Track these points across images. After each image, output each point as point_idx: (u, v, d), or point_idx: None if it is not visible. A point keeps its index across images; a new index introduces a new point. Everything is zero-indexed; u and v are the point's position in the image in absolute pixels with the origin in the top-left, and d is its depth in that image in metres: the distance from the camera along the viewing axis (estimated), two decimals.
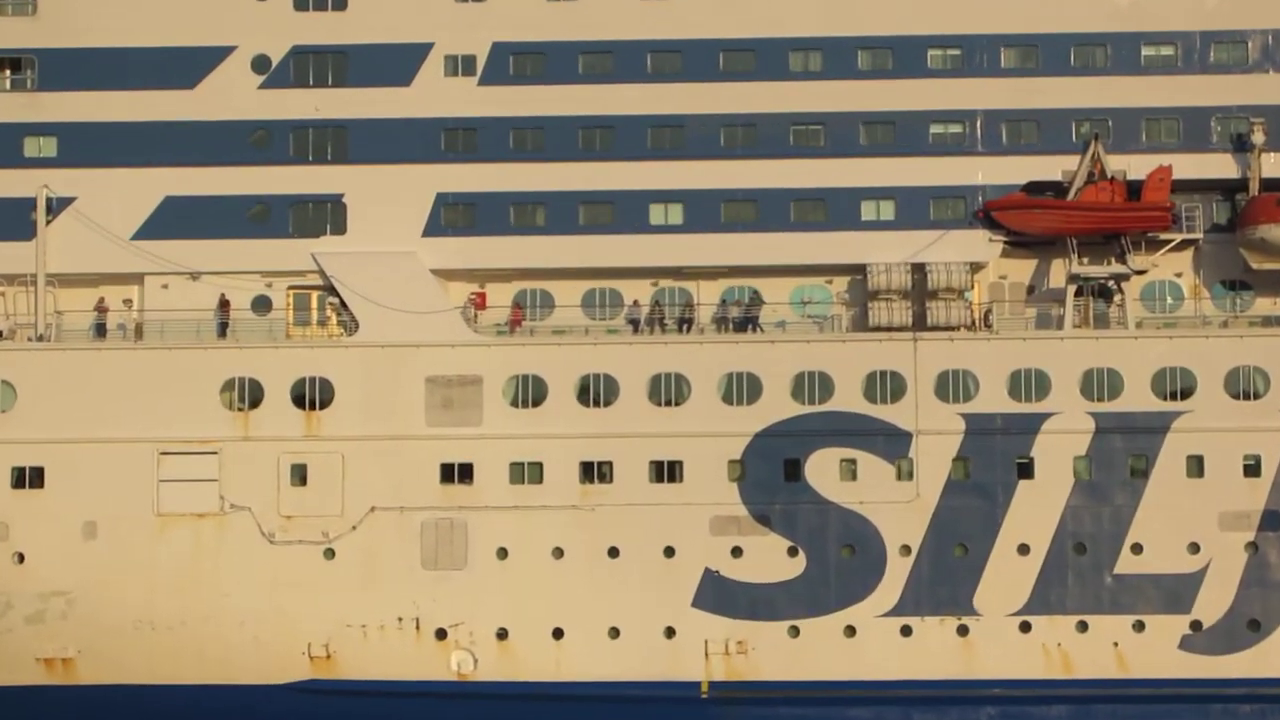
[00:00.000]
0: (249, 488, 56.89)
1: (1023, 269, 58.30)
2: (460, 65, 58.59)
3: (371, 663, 56.20)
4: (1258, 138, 56.30)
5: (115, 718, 57.79)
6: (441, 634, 55.90)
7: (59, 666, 56.76)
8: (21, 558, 55.99)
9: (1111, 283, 57.13)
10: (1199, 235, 57.09)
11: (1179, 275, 58.03)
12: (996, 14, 58.86)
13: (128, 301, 58.78)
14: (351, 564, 56.55)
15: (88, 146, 58.86)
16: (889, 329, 56.51)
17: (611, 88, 58.37)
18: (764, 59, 58.09)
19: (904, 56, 58.18)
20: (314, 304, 58.81)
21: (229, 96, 59.23)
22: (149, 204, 58.69)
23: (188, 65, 58.90)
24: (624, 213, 58.09)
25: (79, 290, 58.43)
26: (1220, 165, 57.51)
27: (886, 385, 56.11)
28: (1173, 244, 56.90)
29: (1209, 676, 55.86)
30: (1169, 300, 58.43)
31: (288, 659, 56.60)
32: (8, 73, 59.56)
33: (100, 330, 57.88)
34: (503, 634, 55.84)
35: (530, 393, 56.57)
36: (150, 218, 58.55)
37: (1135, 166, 57.17)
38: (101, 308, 57.97)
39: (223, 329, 57.62)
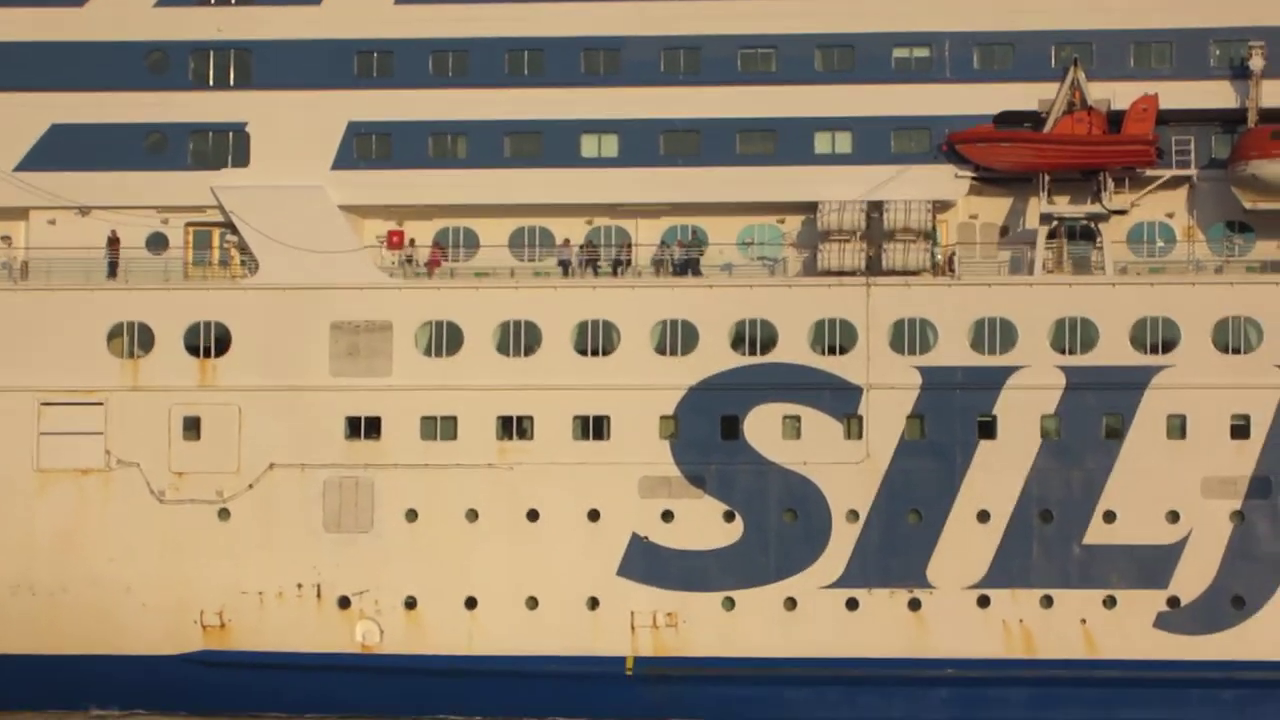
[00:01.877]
0: (137, 442, 55.85)
1: (996, 208, 56.33)
2: None
3: (269, 633, 55.42)
4: (1256, 63, 53.74)
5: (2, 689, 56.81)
6: (345, 602, 55.03)
7: None
8: None
9: (1091, 224, 54.82)
10: (1192, 172, 54.64)
11: (1170, 216, 55.75)
12: None
13: (6, 239, 57.31)
14: (248, 525, 55.70)
15: None
16: (839, 273, 54.20)
17: (540, 6, 56.65)
18: None
19: None
20: (215, 242, 57.20)
21: (122, 15, 58.00)
22: (34, 132, 57.62)
23: None
24: (554, 144, 56.54)
25: None
26: (1218, 94, 55.12)
27: (835, 335, 54.29)
28: (1160, 181, 54.61)
29: (1187, 658, 53.91)
30: (1159, 243, 56.04)
31: (179, 628, 55.68)
32: None
33: None
34: (411, 603, 54.92)
35: (445, 340, 55.26)
36: (35, 147, 57.48)
37: (1122, 95, 54.81)
38: None
39: (113, 269, 56.30)
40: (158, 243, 57.35)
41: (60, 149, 57.16)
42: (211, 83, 57.54)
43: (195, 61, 57.44)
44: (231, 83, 57.54)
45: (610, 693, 55.28)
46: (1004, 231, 56.47)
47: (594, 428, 54.92)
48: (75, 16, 57.24)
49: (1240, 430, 53.54)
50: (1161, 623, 53.71)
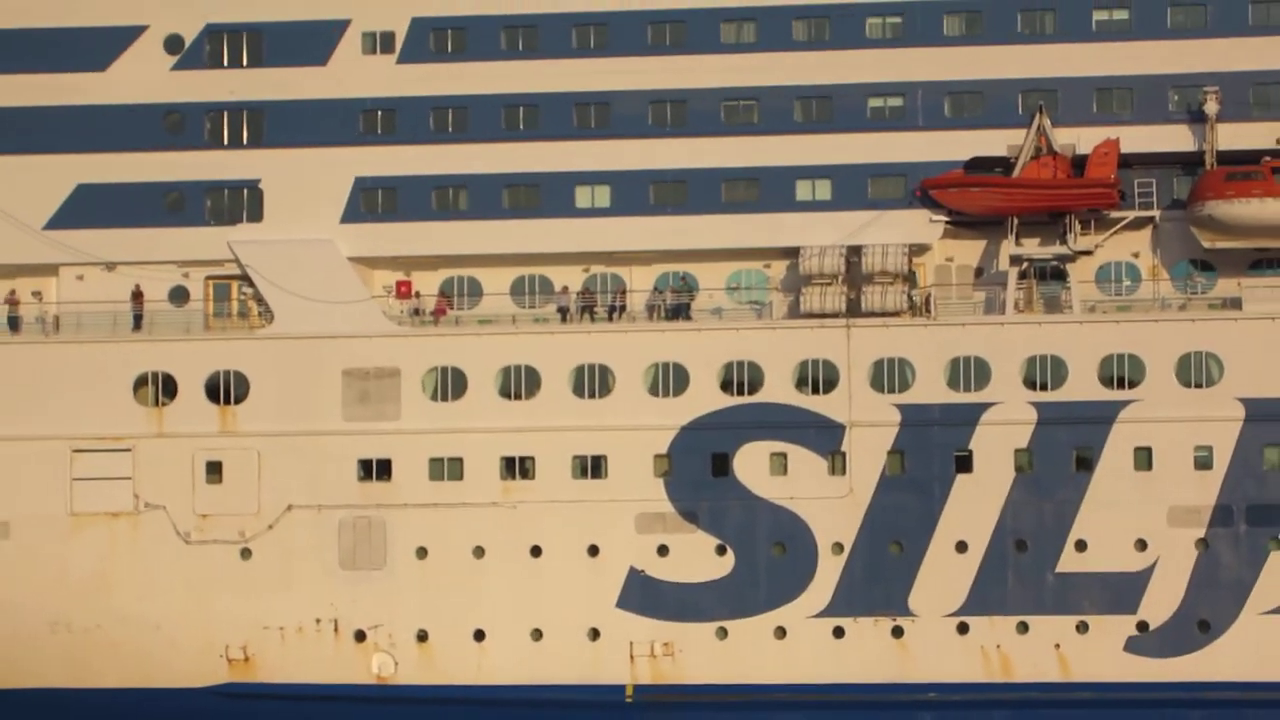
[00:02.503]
0: (164, 486, 57.92)
1: (970, 251, 58.04)
2: (379, 42, 59.27)
3: (290, 665, 57.26)
4: (1211, 108, 55.55)
5: None
6: (361, 636, 56.84)
7: None
8: None
9: (1059, 264, 56.39)
10: (1154, 213, 56.20)
11: (1136, 255, 57.34)
12: None
13: (37, 294, 59.66)
14: (268, 564, 57.54)
15: None
16: (821, 316, 55.99)
17: (535, 64, 58.53)
18: (694, 31, 58.03)
19: (841, 26, 57.81)
20: (234, 294, 59.54)
21: (141, 79, 60.10)
22: (61, 192, 59.77)
23: (98, 46, 59.85)
24: (550, 195, 58.40)
25: None
26: (1177, 138, 56.82)
27: (819, 375, 55.87)
28: (1125, 222, 56.20)
29: (1156, 680, 55.45)
30: (1126, 282, 57.63)
31: (205, 662, 57.62)
32: None
33: (13, 324, 58.86)
34: (423, 636, 56.61)
35: (450, 385, 56.97)
36: (62, 206, 59.55)
37: (1086, 140, 56.58)
38: (12, 300, 59.08)
39: (138, 321, 58.41)
40: (179, 296, 59.50)
41: (86, 208, 59.33)
42: (226, 142, 59.61)
43: (210, 122, 59.56)
44: (245, 142, 59.58)
45: (612, 717, 56.98)
46: (979, 273, 58.06)
47: (592, 467, 56.65)
48: (97, 81, 59.51)
49: (1203, 461, 55.03)
50: (1131, 646, 55.31)
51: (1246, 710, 55.69)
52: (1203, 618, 55.15)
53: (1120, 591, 55.77)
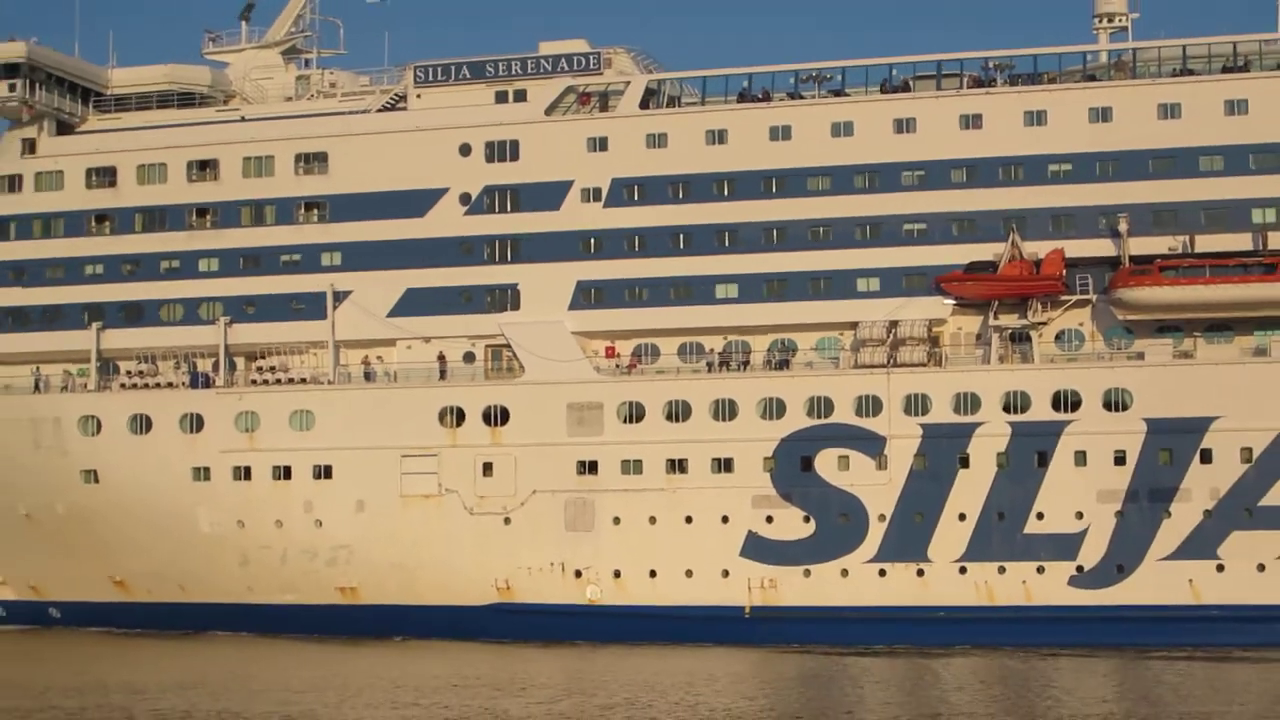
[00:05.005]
0: (457, 478, 75.92)
1: (972, 322, 74.21)
2: (591, 195, 77.61)
3: (535, 592, 74.82)
4: (1123, 227, 71.93)
5: (380, 624, 76.38)
6: (578, 573, 74.54)
7: (348, 593, 77.61)
8: (320, 523, 77.39)
9: (1026, 331, 72.62)
10: (1091, 297, 72.43)
11: (1081, 324, 73.45)
12: (946, 144, 74.66)
13: (379, 358, 79.04)
14: (521, 528, 75.02)
15: (359, 257, 79.66)
16: (871, 366, 73.12)
17: (688, 206, 76.57)
18: (790, 182, 75.70)
19: (885, 177, 74.86)
20: (504, 357, 78.40)
21: (445, 221, 79.03)
22: (397, 293, 79.38)
23: (419, 202, 79.27)
24: (700, 291, 76.22)
25: (356, 351, 79.89)
26: (1104, 247, 72.73)
27: (869, 405, 72.56)
28: (1070, 303, 72.49)
29: (1089, 604, 70.27)
30: (1074, 343, 73.50)
31: (483, 589, 75.42)
32: (311, 212, 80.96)
33: (368, 376, 78.98)
34: (617, 573, 74.18)
35: (634, 413, 75.01)
36: (398, 302, 79.22)
37: (1043, 250, 72.57)
38: (366, 362, 79.28)
39: (442, 374, 78.07)
40: (469, 358, 78.17)
41: (412, 303, 78.68)
42: (497, 260, 78.57)
43: (488, 247, 78.42)
44: (509, 259, 78.37)
45: (736, 628, 72.75)
46: (978, 337, 74.06)
47: (725, 465, 73.56)
48: (419, 223, 78.69)
49: (1120, 459, 70.49)
50: (1072, 582, 70.70)
51: (1146, 624, 69.54)
52: (1119, 563, 70.26)
53: (1065, 546, 70.62)
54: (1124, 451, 71.51)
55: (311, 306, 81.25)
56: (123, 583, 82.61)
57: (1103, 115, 74.57)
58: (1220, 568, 70.73)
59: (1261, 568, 70.55)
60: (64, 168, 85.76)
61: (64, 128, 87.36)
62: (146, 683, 60.98)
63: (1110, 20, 79.61)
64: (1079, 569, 71.67)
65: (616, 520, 75.82)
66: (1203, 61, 75.62)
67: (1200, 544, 70.81)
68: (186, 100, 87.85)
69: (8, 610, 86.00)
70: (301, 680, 62.74)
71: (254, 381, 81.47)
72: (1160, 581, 70.75)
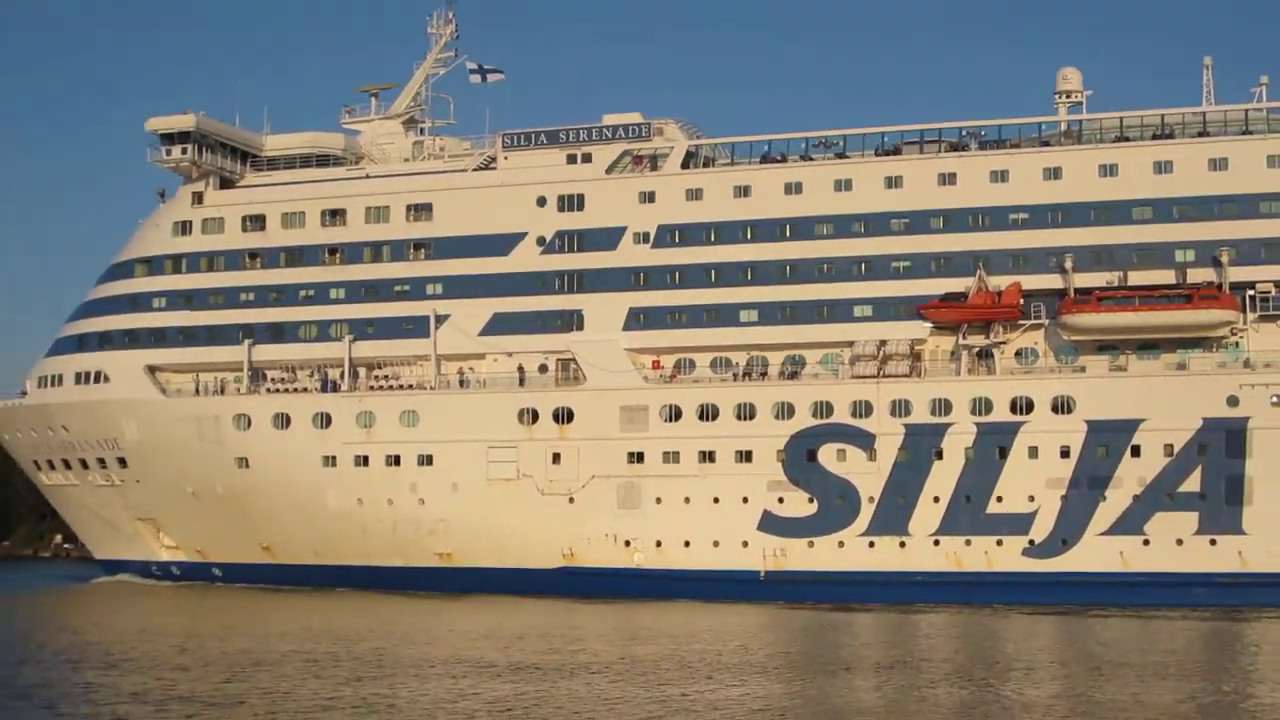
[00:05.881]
0: (531, 465, 79.34)
1: (947, 342, 77.22)
2: (642, 238, 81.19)
3: (593, 558, 78.14)
4: (1069, 264, 74.68)
5: (470, 582, 79.19)
6: (628, 543, 77.96)
7: (444, 557, 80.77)
8: (423, 501, 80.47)
9: (990, 349, 75.63)
10: (1044, 321, 75.19)
11: (1035, 343, 76.19)
12: (926, 197, 77.50)
13: (471, 369, 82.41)
14: (583, 506, 78.19)
15: (457, 288, 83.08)
16: (864, 376, 76.09)
17: (719, 247, 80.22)
18: (798, 228, 79.02)
19: (877, 224, 77.96)
20: (570, 368, 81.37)
21: (525, 259, 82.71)
22: (486, 317, 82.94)
23: (503, 244, 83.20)
24: (727, 315, 79.37)
25: (453, 362, 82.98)
26: (1055, 280, 75.39)
27: (862, 408, 75.65)
28: (1025, 327, 75.36)
29: (1038, 571, 73.17)
30: (1029, 358, 76.15)
31: (552, 555, 78.79)
32: (419, 251, 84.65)
33: (463, 383, 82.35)
34: (659, 543, 77.37)
35: (673, 413, 77.89)
36: (487, 324, 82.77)
37: (1005, 283, 75.84)
38: (460, 371, 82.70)
39: (521, 382, 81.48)
40: (543, 369, 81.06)
41: (498, 325, 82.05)
42: (566, 290, 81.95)
43: (559, 280, 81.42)
44: (576, 290, 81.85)
45: (753, 588, 75.77)
46: (951, 354, 76.76)
47: (745, 456, 76.49)
48: (504, 260, 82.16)
49: (1065, 453, 72.86)
50: (1025, 553, 73.50)
51: (1085, 588, 71.75)
52: (1063, 538, 72.92)
53: (1019, 523, 73.39)
54: (1069, 447, 73.67)
55: (418, 327, 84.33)
56: (269, 548, 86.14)
57: (1054, 174, 77.31)
58: (1146, 542, 72.87)
59: (1180, 542, 72.68)
60: (224, 215, 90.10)
61: (225, 182, 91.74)
62: (303, 630, 62.16)
63: (1068, 96, 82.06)
64: (1030, 542, 73.89)
65: (658, 500, 78.45)
66: (1137, 130, 78.13)
67: (1130, 522, 72.94)
68: (324, 161, 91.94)
69: (181, 570, 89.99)
70: (409, 626, 64.04)
71: (372, 387, 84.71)
72: (1097, 553, 72.93)
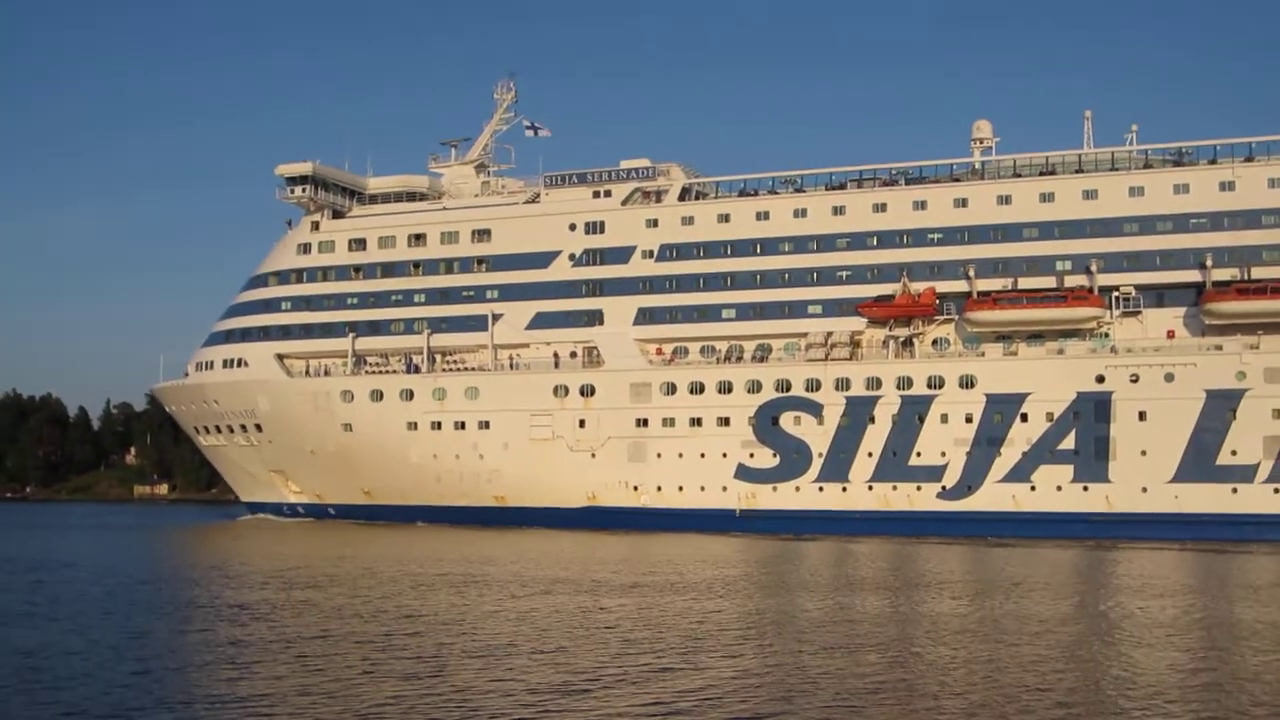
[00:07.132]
0: (562, 429, 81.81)
1: (879, 334, 78.94)
2: (648, 254, 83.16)
3: (609, 499, 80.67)
4: (972, 273, 76.10)
5: (518, 519, 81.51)
6: (636, 488, 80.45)
7: (499, 499, 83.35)
8: (482, 456, 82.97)
9: (911, 339, 77.06)
10: (954, 317, 76.50)
11: (947, 335, 77.46)
12: (865, 222, 79.14)
13: (519, 354, 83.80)
14: (602, 460, 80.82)
15: (509, 293, 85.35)
16: (815, 360, 77.94)
17: (707, 260, 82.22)
18: (766, 246, 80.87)
19: (826, 243, 79.81)
20: (593, 355, 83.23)
21: (560, 271, 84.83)
22: (529, 316, 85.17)
23: (542, 259, 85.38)
24: (712, 313, 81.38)
25: (505, 350, 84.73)
26: (962, 286, 76.85)
27: (814, 384, 77.54)
28: (939, 321, 76.94)
29: (949, 510, 74.75)
30: (943, 345, 77.35)
31: (579, 496, 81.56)
32: (481, 265, 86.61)
33: (513, 366, 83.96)
34: (659, 488, 79.61)
35: (670, 389, 80.00)
36: (531, 321, 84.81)
37: (923, 288, 77.13)
38: (511, 357, 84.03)
39: (556, 365, 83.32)
40: (573, 355, 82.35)
41: (539, 321, 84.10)
42: (590, 295, 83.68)
43: (585, 287, 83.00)
44: (598, 295, 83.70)
45: (730, 522, 77.90)
46: (885, 342, 78.05)
47: (725, 422, 78.40)
48: (542, 273, 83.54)
49: (969, 419, 73.71)
50: (939, 496, 74.89)
51: (986, 523, 72.81)
52: (969, 484, 74.30)
53: (934, 472, 74.77)
54: (972, 414, 75.24)
55: (479, 323, 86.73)
56: (369, 492, 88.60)
57: (962, 203, 78.56)
58: (1033, 488, 74.09)
59: (1059, 488, 73.81)
60: (335, 239, 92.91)
61: (337, 214, 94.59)
62: (415, 555, 59.89)
63: (981, 141, 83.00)
64: (943, 488, 75.55)
65: (659, 455, 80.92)
66: (1028, 168, 79.06)
67: (1020, 473, 74.12)
68: (413, 196, 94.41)
69: (305, 509, 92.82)
70: (475, 552, 62.94)
71: (444, 369, 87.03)
72: (995, 496, 74.41)
